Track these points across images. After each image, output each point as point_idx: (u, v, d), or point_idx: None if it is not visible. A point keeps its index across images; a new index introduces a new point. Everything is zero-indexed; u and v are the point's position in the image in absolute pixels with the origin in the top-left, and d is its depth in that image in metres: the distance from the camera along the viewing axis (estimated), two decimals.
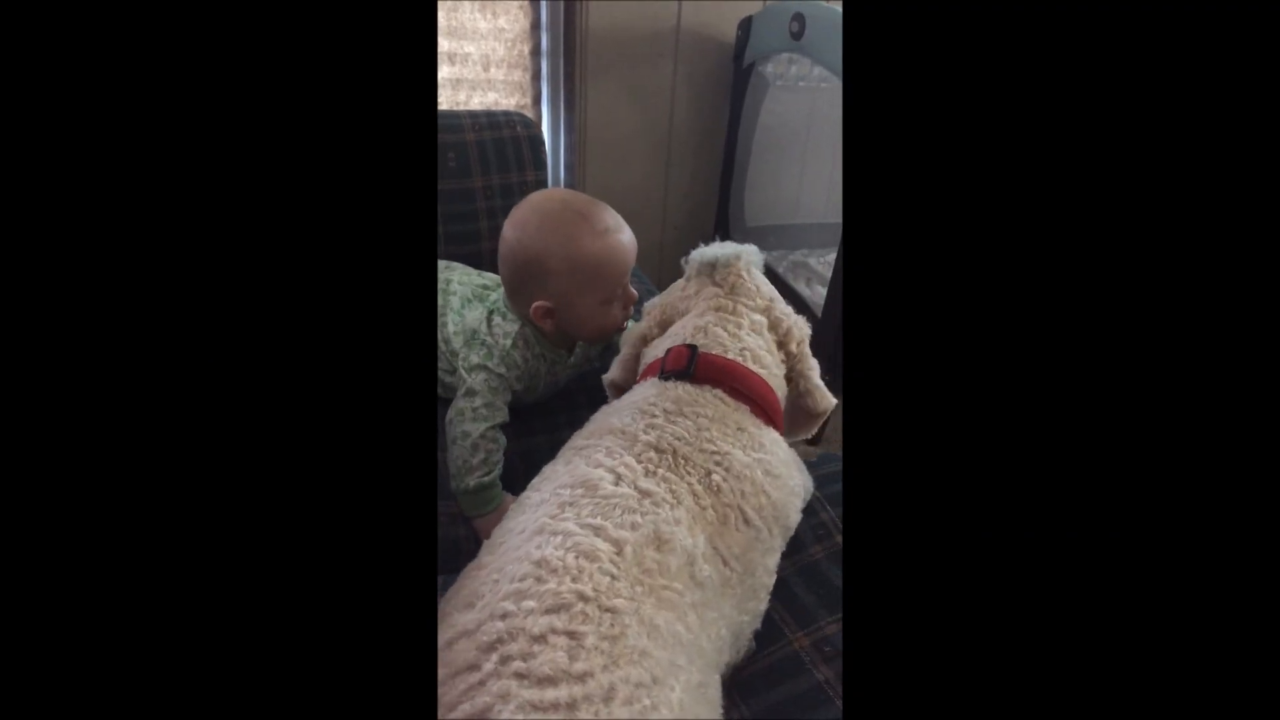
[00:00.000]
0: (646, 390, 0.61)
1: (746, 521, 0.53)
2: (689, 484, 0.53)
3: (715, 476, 0.53)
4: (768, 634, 0.60)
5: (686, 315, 0.68)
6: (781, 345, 0.68)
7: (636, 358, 0.73)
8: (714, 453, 0.54)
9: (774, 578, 0.58)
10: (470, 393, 0.80)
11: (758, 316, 0.67)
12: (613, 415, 0.60)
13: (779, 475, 0.57)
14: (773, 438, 0.60)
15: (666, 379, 0.61)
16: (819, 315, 1.46)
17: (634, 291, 0.82)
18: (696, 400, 0.58)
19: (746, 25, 1.59)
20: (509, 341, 0.82)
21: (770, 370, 0.64)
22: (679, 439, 0.55)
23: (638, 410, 0.58)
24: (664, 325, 0.71)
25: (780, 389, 0.66)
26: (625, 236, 0.80)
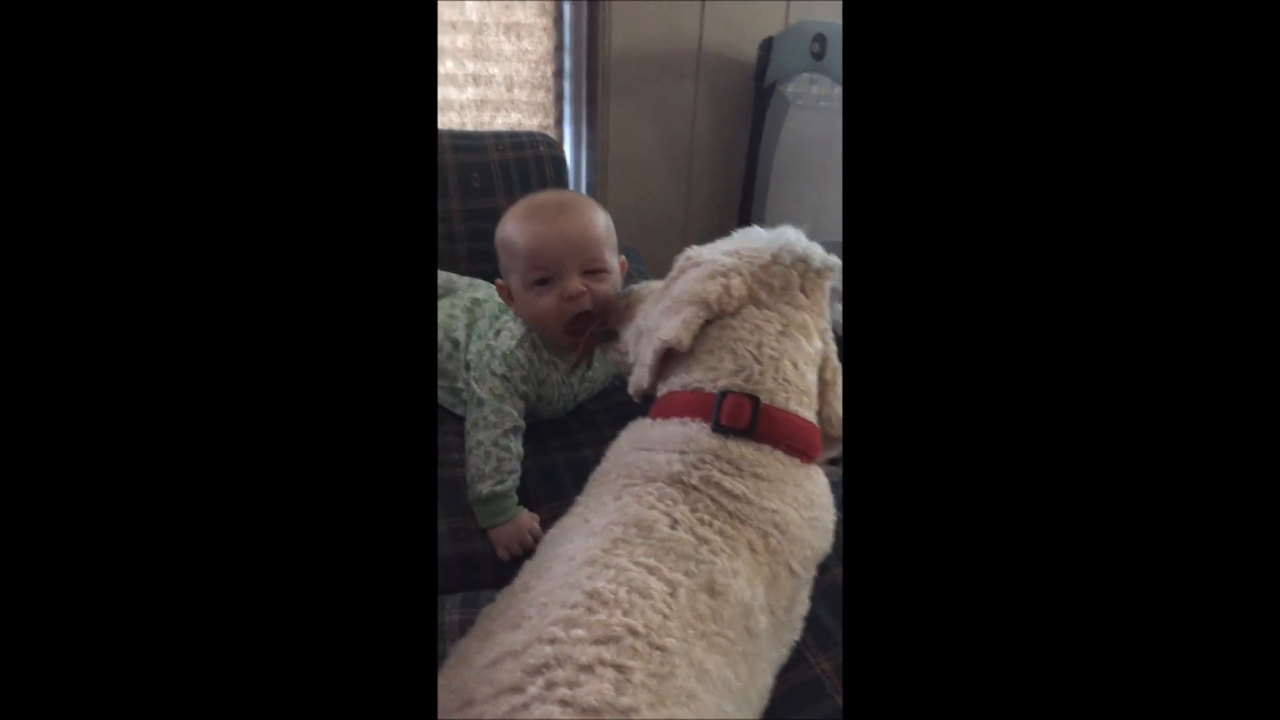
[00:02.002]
0: (700, 438, 0.55)
1: (793, 573, 0.52)
2: (747, 539, 0.51)
3: (772, 539, 0.51)
4: (790, 658, 0.60)
5: (749, 319, 0.58)
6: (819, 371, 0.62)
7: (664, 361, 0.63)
8: (773, 512, 0.52)
9: (808, 607, 0.57)
10: (479, 402, 0.81)
11: (819, 343, 0.61)
12: (658, 454, 0.55)
13: (822, 524, 0.56)
14: (820, 486, 0.57)
15: (724, 434, 0.55)
16: (839, 332, 1.45)
17: (578, 286, 0.76)
18: (757, 461, 0.54)
19: (768, 46, 1.60)
20: (513, 342, 0.83)
21: (814, 407, 0.60)
22: (737, 497, 0.52)
23: (693, 460, 0.53)
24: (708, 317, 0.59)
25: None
26: (555, 226, 0.77)
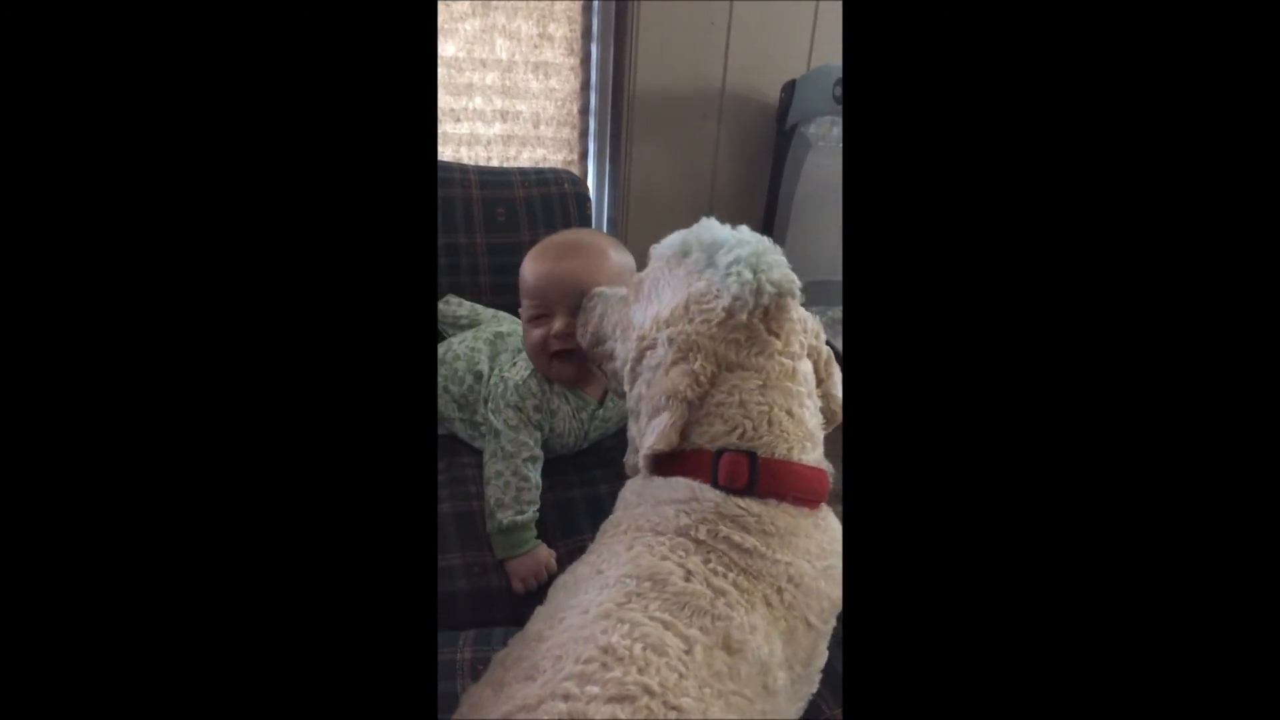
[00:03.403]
0: (703, 494, 0.53)
1: (810, 626, 0.51)
2: (762, 593, 0.50)
3: (787, 594, 0.50)
4: (805, 708, 0.59)
5: (724, 384, 0.56)
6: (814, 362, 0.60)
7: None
8: (786, 564, 0.51)
9: (826, 659, 0.56)
10: (495, 433, 0.83)
11: (807, 366, 0.58)
12: (665, 508, 0.54)
13: (838, 573, 0.55)
14: (832, 532, 0.56)
15: (725, 492, 0.53)
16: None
17: (562, 326, 0.77)
18: (762, 515, 0.52)
19: (790, 88, 1.62)
20: (526, 373, 0.85)
21: (820, 428, 0.58)
22: (748, 551, 0.51)
23: (698, 517, 0.52)
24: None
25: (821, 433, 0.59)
26: (557, 266, 0.79)
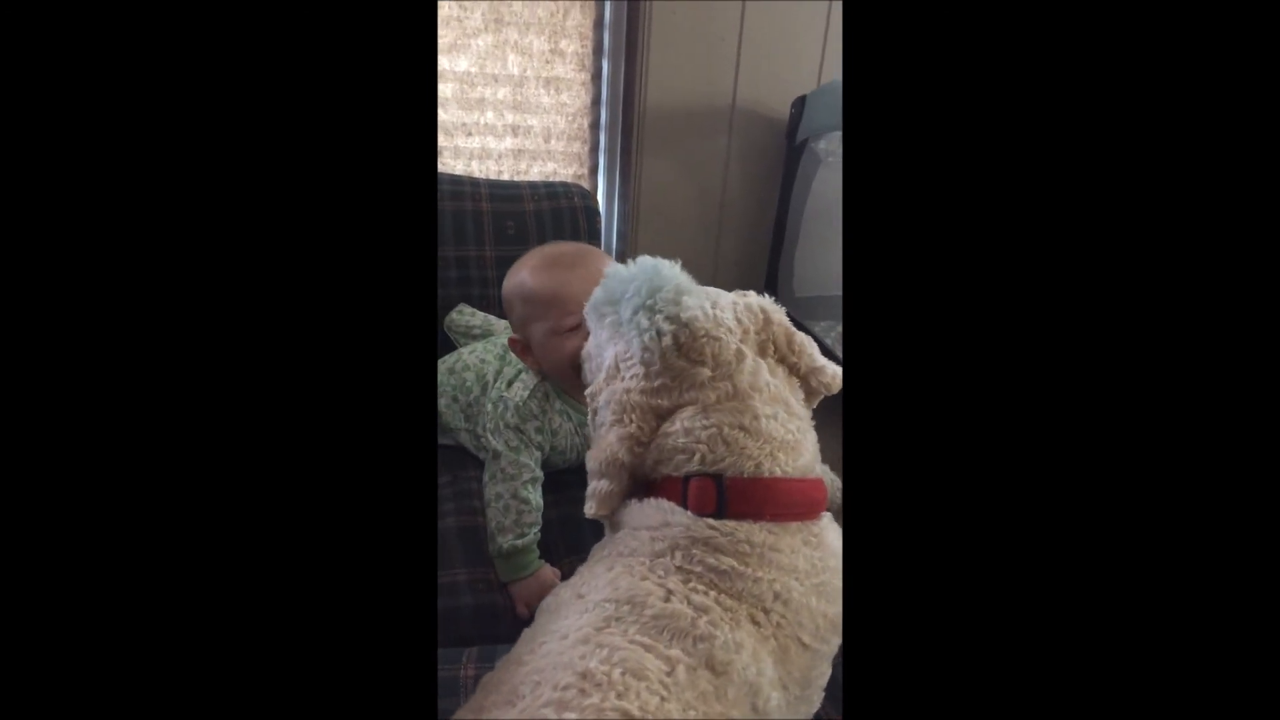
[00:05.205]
0: (674, 517, 0.52)
1: (805, 646, 0.50)
2: (747, 612, 0.48)
3: (774, 613, 0.49)
4: None
5: (665, 425, 0.55)
6: (775, 349, 0.59)
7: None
8: (770, 582, 0.49)
9: (828, 676, 0.55)
10: (495, 454, 0.82)
11: (756, 371, 0.56)
12: (641, 531, 0.53)
13: (833, 588, 0.53)
14: (826, 548, 0.54)
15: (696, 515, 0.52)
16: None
17: None
18: (736, 533, 0.50)
19: (800, 104, 1.63)
20: (526, 393, 0.84)
21: (801, 430, 0.56)
22: (725, 572, 0.49)
23: (670, 543, 0.51)
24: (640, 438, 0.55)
25: (809, 434, 0.57)
26: (577, 273, 0.78)
